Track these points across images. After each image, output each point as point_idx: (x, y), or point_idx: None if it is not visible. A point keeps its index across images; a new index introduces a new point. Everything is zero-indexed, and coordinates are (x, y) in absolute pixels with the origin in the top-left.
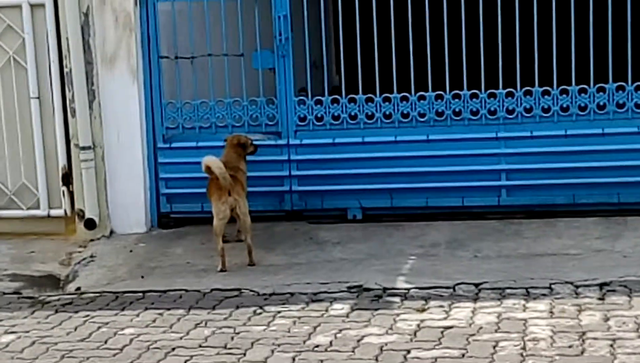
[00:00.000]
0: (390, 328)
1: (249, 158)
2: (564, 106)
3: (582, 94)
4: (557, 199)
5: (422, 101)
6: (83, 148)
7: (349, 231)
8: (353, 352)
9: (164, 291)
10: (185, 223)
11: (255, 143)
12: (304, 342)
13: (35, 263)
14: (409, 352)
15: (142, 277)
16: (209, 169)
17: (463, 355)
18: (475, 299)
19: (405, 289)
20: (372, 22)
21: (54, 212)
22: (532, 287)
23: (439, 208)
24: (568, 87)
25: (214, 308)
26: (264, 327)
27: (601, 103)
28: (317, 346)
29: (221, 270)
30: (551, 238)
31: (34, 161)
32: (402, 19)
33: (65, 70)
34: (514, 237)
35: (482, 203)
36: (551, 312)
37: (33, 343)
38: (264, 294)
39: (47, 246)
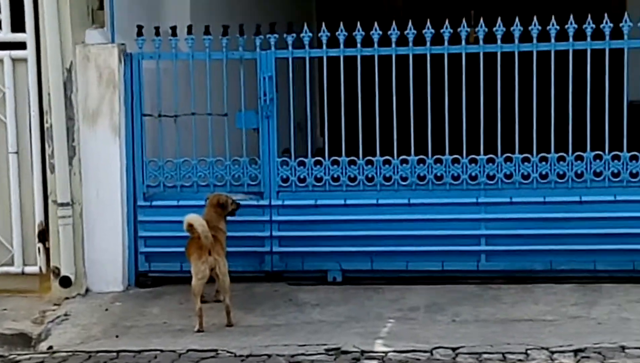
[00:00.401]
0: None
1: (230, 217)
2: (543, 173)
3: (561, 162)
4: (536, 265)
5: (404, 165)
6: (61, 205)
7: (328, 293)
8: None
9: (139, 352)
10: (163, 282)
11: (238, 201)
12: None
13: (7, 321)
14: None
15: (117, 337)
16: (190, 227)
17: None
18: None
19: (383, 352)
20: (357, 85)
21: (28, 269)
22: (508, 352)
23: (419, 271)
24: (547, 155)
25: None
26: None
27: (579, 171)
28: None
29: (198, 331)
30: (529, 304)
31: (9, 216)
32: (387, 83)
33: (46, 125)
34: (492, 302)
35: (461, 268)
36: None
37: None
38: (241, 355)
39: (20, 304)
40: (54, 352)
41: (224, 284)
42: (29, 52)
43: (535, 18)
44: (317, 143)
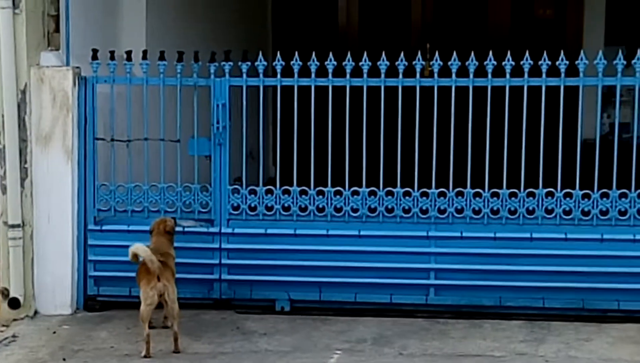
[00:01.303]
0: None
1: (180, 244)
2: (495, 208)
3: (512, 198)
4: (484, 300)
5: (355, 196)
6: (12, 226)
7: (276, 323)
8: None
9: None
10: (111, 306)
11: (186, 229)
12: None
13: None
14: None
15: (64, 360)
16: (135, 256)
17: None
18: None
19: None
20: (310, 115)
21: None
22: None
23: (368, 303)
24: (499, 191)
25: None
26: None
27: (530, 208)
28: None
29: (145, 356)
30: (476, 339)
31: None
32: (341, 114)
33: None
34: (440, 336)
35: (410, 301)
36: None
37: None
38: None
39: None
40: None
41: (172, 310)
42: None
43: (490, 53)
44: (269, 172)
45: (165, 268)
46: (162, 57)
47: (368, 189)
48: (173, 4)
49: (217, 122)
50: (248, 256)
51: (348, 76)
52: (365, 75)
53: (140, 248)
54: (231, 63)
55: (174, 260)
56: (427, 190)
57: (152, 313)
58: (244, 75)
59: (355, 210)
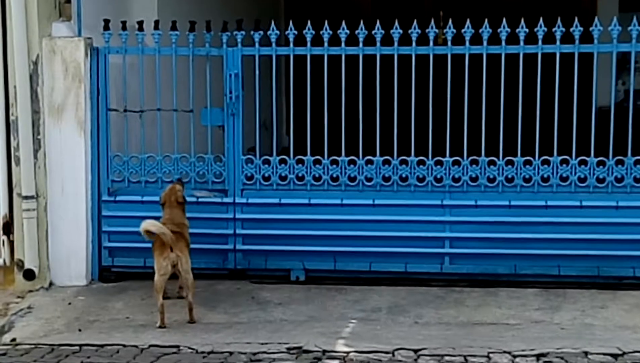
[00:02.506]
0: None
1: (194, 214)
2: (509, 176)
3: (527, 166)
4: (499, 269)
5: (369, 166)
6: (26, 198)
7: (291, 293)
8: None
9: (101, 346)
10: (126, 277)
11: (200, 199)
12: None
13: None
14: None
15: (80, 330)
16: (148, 233)
17: None
18: None
19: (344, 352)
20: (323, 84)
21: None
22: (470, 355)
23: (382, 272)
24: (514, 159)
25: None
26: None
27: (545, 176)
28: None
29: (160, 327)
30: (492, 307)
31: None
32: (354, 82)
33: (12, 118)
34: (455, 305)
35: (425, 270)
36: None
37: None
38: (203, 352)
39: None
40: (17, 344)
41: (186, 281)
42: None
43: (504, 20)
44: (282, 141)
45: (179, 239)
46: (174, 27)
47: (382, 158)
48: None
49: (230, 92)
50: (262, 226)
51: (361, 44)
52: (378, 43)
53: (150, 224)
54: (243, 32)
55: (188, 230)
56: (442, 158)
57: (167, 283)
58: (257, 44)
59: (369, 179)
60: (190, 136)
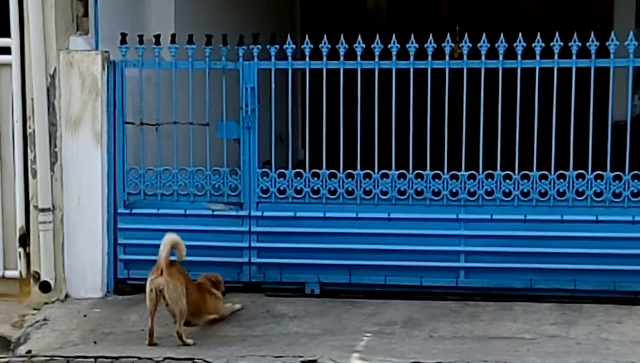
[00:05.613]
0: None
1: (209, 227)
2: (525, 191)
3: (543, 180)
4: (515, 283)
5: (384, 179)
6: (42, 210)
7: (306, 306)
8: None
9: (116, 358)
10: (141, 289)
11: (216, 213)
12: None
13: None
14: None
15: (95, 343)
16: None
17: None
18: None
19: None
20: (339, 98)
21: (9, 273)
22: None
23: (397, 286)
24: (529, 173)
25: None
26: None
27: (561, 190)
28: None
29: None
30: (507, 322)
31: None
32: (370, 96)
33: (29, 130)
34: (470, 319)
35: (440, 284)
36: None
37: None
38: None
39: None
40: (33, 356)
41: (172, 311)
42: (14, 57)
43: (520, 35)
44: (298, 155)
45: (181, 270)
46: (190, 41)
47: (397, 172)
48: None
49: (246, 106)
50: (277, 239)
51: (377, 58)
52: (394, 58)
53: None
54: (260, 46)
55: (213, 297)
56: (457, 172)
57: None
58: (273, 58)
59: (384, 193)
60: (206, 149)
